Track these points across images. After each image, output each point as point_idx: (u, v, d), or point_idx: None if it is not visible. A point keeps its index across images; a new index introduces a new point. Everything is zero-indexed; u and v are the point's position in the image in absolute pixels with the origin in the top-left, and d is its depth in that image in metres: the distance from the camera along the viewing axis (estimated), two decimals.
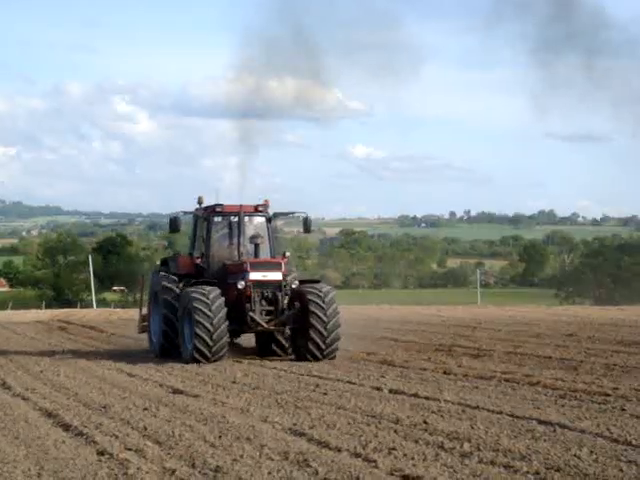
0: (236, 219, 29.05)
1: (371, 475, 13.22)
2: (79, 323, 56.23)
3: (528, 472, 13.32)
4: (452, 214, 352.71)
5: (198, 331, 25.03)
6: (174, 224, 29.66)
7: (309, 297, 26.40)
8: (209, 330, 24.92)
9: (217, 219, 29.22)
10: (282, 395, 21.39)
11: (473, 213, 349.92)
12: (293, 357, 27.87)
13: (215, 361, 25.45)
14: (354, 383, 23.19)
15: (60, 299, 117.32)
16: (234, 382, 24.04)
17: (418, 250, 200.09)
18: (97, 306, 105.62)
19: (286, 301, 26.85)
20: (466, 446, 15.13)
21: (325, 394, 21.45)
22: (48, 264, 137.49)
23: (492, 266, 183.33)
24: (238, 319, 26.43)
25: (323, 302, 26.14)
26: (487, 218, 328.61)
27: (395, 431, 16.79)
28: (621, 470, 13.44)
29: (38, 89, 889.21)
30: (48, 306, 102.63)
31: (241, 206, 28.91)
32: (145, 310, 32.63)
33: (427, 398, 20.79)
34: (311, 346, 26.23)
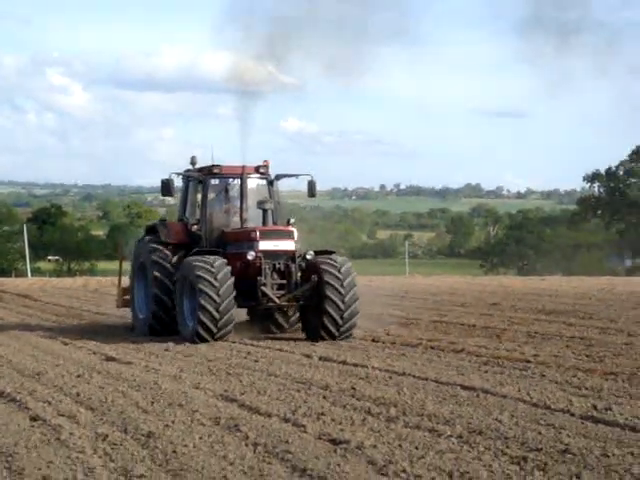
0: (236, 182, 27.30)
1: (300, 439, 13.30)
2: (13, 292, 55.83)
3: (451, 436, 13.47)
4: (382, 187, 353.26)
5: (203, 302, 23.26)
6: (166, 187, 27.15)
7: (323, 268, 24.67)
8: (215, 301, 23.22)
9: (214, 182, 27.28)
10: (214, 362, 21.41)
11: (402, 186, 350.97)
12: (303, 336, 26.09)
13: (221, 337, 23.95)
14: (285, 351, 23.26)
15: None
16: (167, 350, 24.03)
17: (349, 222, 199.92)
18: (32, 275, 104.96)
19: (299, 274, 25.05)
20: (392, 411, 15.26)
21: (256, 361, 21.49)
22: None
23: (420, 238, 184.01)
24: (245, 293, 24.50)
25: (339, 272, 24.51)
26: (416, 191, 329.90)
27: (324, 397, 16.87)
28: (540, 433, 13.65)
29: None
30: None
31: (243, 167, 26.92)
32: (126, 282, 30.79)
33: (355, 365, 20.88)
34: (327, 322, 24.43)
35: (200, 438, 13.44)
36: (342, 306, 24.08)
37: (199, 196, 27.04)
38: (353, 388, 17.62)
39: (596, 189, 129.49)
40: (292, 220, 26.69)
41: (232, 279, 23.53)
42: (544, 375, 19.49)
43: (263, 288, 24.21)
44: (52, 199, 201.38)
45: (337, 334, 24.36)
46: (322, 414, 15.08)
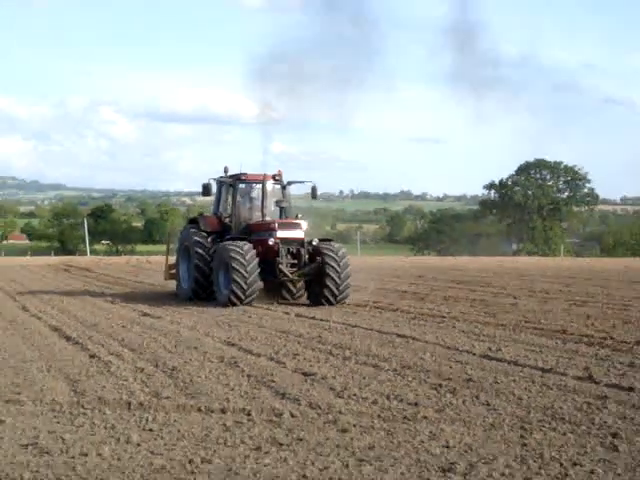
0: (258, 186, 26.77)
1: (281, 372, 13.31)
2: (77, 266, 55.51)
3: (389, 369, 13.51)
4: (341, 192, 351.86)
5: (235, 277, 23.00)
6: (206, 190, 26.99)
7: (325, 252, 24.31)
8: (244, 276, 22.98)
9: (242, 185, 26.85)
10: (220, 318, 21.35)
11: (355, 192, 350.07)
12: (308, 302, 25.29)
13: (247, 303, 23.47)
14: (271, 310, 23.16)
15: (64, 249, 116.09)
16: (186, 308, 24.02)
17: (317, 217, 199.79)
18: (90, 254, 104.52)
19: (307, 256, 24.59)
20: (347, 352, 15.27)
21: (250, 317, 21.42)
22: (55, 224, 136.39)
23: (368, 229, 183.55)
24: (267, 270, 24.07)
25: (337, 256, 24.25)
26: (365, 195, 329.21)
27: (298, 342, 16.86)
28: (451, 367, 13.73)
29: (49, 101, 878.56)
30: (55, 254, 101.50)
31: (264, 175, 26.46)
32: (172, 260, 29.92)
33: (321, 320, 20.85)
34: (327, 293, 24.17)
35: (209, 371, 13.43)
36: (339, 281, 23.95)
37: (230, 196, 26.66)
38: (319, 336, 17.63)
39: (492, 195, 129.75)
40: (300, 215, 26.40)
41: (256, 259, 23.27)
42: (454, 326, 19.57)
43: (280, 266, 24.00)
44: (105, 200, 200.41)
45: (334, 302, 24.09)
46: (297, 354, 15.09)
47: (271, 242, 24.11)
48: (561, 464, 8.24)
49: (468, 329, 19.12)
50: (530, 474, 7.91)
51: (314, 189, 27.33)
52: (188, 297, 25.72)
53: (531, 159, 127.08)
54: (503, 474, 7.90)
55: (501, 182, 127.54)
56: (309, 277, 24.60)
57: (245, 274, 22.82)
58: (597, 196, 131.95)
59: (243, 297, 23.06)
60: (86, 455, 8.62)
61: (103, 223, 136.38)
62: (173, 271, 28.75)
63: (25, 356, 15.31)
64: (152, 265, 58.37)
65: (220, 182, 26.83)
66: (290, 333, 18.29)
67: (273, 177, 26.53)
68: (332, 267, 23.82)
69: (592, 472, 7.96)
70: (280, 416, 10.26)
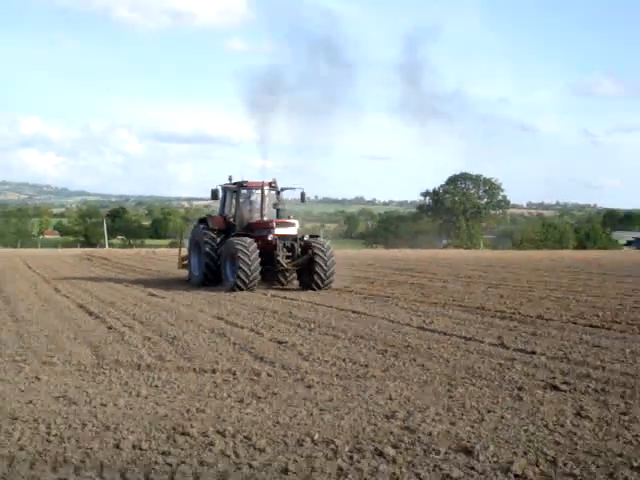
0: (257, 191, 26.02)
1: (260, 341, 13.29)
2: (98, 256, 55.18)
3: (345, 338, 13.52)
4: (308, 198, 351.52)
5: (241, 265, 22.34)
6: (214, 194, 26.25)
7: (314, 245, 23.70)
8: (248, 266, 22.35)
9: (244, 191, 26.05)
10: (211, 298, 21.28)
11: (320, 197, 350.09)
12: (299, 287, 24.50)
13: (250, 289, 22.69)
14: (251, 292, 23.13)
15: (87, 242, 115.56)
16: (184, 290, 23.91)
17: (297, 217, 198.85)
18: (108, 247, 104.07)
19: (299, 249, 23.90)
20: (312, 325, 15.26)
21: (235, 297, 21.31)
22: (81, 223, 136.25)
23: (329, 227, 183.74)
24: (266, 261, 23.38)
25: (324, 249, 23.64)
26: (327, 200, 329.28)
27: (273, 317, 16.82)
28: (394, 336, 13.77)
29: (76, 125, 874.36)
30: (81, 247, 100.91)
31: (263, 182, 25.75)
32: (184, 253, 28.97)
33: (292, 299, 20.82)
34: (316, 279, 23.45)
35: (202, 340, 13.39)
36: (326, 270, 23.44)
37: (233, 200, 26.05)
38: (290, 312, 17.60)
39: (427, 200, 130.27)
40: (291, 216, 25.78)
41: (257, 252, 22.76)
42: (397, 304, 19.59)
43: (278, 258, 23.52)
44: (120, 204, 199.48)
45: (322, 287, 23.50)
46: (272, 327, 15.07)
47: (270, 238, 23.62)
48: (478, 411, 8.32)
49: (407, 306, 19.16)
50: (454, 419, 7.98)
51: (303, 194, 26.55)
52: (200, 283, 25.07)
53: (458, 172, 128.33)
54: (433, 420, 7.96)
55: (434, 190, 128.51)
56: (301, 267, 24.01)
57: (248, 264, 22.36)
58: (509, 202, 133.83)
59: (247, 283, 22.54)
60: (105, 405, 8.64)
61: (118, 222, 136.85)
62: (185, 262, 28.14)
63: (57, 327, 15.23)
64: (157, 256, 58.21)
65: (225, 188, 26.27)
66: (267, 310, 18.22)
67: (269, 184, 26.01)
68: (320, 258, 23.36)
69: (502, 417, 8.03)
70: (259, 375, 10.27)
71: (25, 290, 24.72)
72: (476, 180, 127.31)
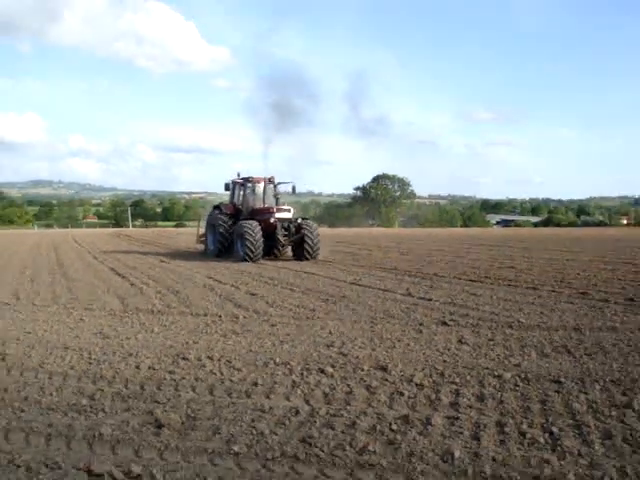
0: (260, 184, 24.50)
1: (238, 293, 13.25)
2: (124, 234, 54.56)
3: (299, 291, 13.51)
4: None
5: (247, 243, 21.03)
6: (227, 187, 24.65)
7: (305, 226, 22.36)
8: (253, 243, 21.01)
9: (249, 185, 24.41)
10: (206, 265, 21.16)
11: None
12: (292, 258, 22.99)
13: (256, 261, 21.21)
14: (232, 262, 22.98)
15: (117, 224, 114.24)
16: (185, 258, 23.72)
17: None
18: (131, 227, 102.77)
19: (294, 229, 22.45)
20: (275, 282, 15.20)
21: (221, 263, 21.32)
22: (112, 211, 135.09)
23: None
24: (269, 239, 22.22)
25: (312, 229, 22.33)
26: (284, 194, 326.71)
27: (248, 276, 16.72)
28: (333, 289, 13.74)
29: (108, 140, 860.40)
30: (112, 227, 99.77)
31: (264, 178, 24.50)
32: (202, 231, 26.94)
33: (261, 264, 20.80)
34: (305, 252, 22.01)
35: (198, 293, 13.28)
36: (313, 245, 22.20)
37: (241, 192, 24.64)
38: (260, 273, 17.46)
39: (359, 193, 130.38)
40: (286, 203, 24.33)
41: (261, 232, 21.50)
42: (336, 267, 19.61)
43: (278, 236, 22.32)
44: (140, 196, 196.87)
45: (311, 258, 22.08)
46: (247, 283, 14.96)
47: (272, 220, 22.45)
48: (391, 341, 8.40)
49: (343, 268, 19.16)
50: (375, 346, 8.05)
51: (294, 187, 24.94)
52: (215, 255, 23.69)
53: (380, 173, 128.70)
54: (360, 347, 8.02)
55: (363, 186, 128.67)
56: (295, 243, 22.74)
57: (254, 242, 21.22)
58: (415, 194, 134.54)
59: (253, 257, 21.25)
60: (129, 339, 8.60)
61: (139, 209, 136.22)
62: (203, 239, 26.56)
63: (95, 284, 15.02)
64: (167, 234, 57.49)
65: (234, 182, 25.01)
66: (244, 272, 18.09)
67: (269, 179, 24.82)
68: (309, 236, 22.27)
69: (408, 344, 8.13)
70: (237, 318, 10.25)
71: (73, 257, 24.53)
72: (392, 178, 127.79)
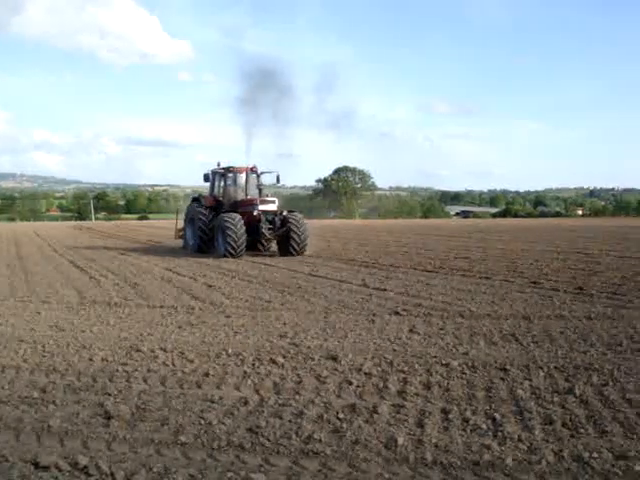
0: (242, 174, 22.64)
1: (196, 284, 13.21)
2: (86, 227, 53.67)
3: (256, 282, 13.51)
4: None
5: (229, 239, 19.49)
6: (207, 177, 22.98)
7: (291, 219, 20.63)
8: (235, 238, 19.47)
9: (230, 175, 22.65)
10: (165, 258, 21.01)
11: None
12: (277, 253, 21.35)
13: (238, 257, 19.70)
14: (198, 254, 22.75)
15: (80, 217, 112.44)
16: (144, 251, 23.51)
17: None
18: (94, 220, 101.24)
19: (279, 222, 20.79)
20: (233, 274, 15.19)
21: (180, 255, 21.15)
22: (75, 203, 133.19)
23: None
24: (253, 232, 20.59)
25: (299, 222, 20.61)
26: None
27: (206, 268, 16.68)
28: (290, 280, 13.74)
29: (72, 133, 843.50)
30: (75, 220, 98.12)
31: (246, 167, 22.44)
32: (180, 225, 24.84)
33: (224, 256, 20.74)
34: (292, 248, 20.40)
35: (155, 285, 13.19)
36: (300, 240, 20.51)
37: (222, 182, 22.83)
38: (218, 265, 17.39)
39: (320, 185, 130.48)
40: (269, 194, 22.51)
41: (244, 226, 19.88)
42: (295, 259, 19.57)
43: (262, 230, 20.63)
44: (103, 189, 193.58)
45: (296, 254, 20.46)
46: (205, 275, 14.89)
47: (255, 213, 20.79)
48: (344, 331, 8.44)
49: (301, 260, 19.09)
50: (327, 337, 8.07)
51: (278, 177, 23.01)
52: (195, 250, 22.01)
53: (341, 165, 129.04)
54: (312, 337, 8.03)
55: (325, 178, 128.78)
56: (280, 237, 21.10)
57: (236, 237, 19.71)
58: (376, 186, 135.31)
59: (234, 252, 19.78)
60: (84, 331, 8.50)
61: (102, 202, 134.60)
62: (181, 233, 24.76)
63: (53, 277, 14.84)
64: (128, 226, 56.77)
65: (214, 173, 23.13)
66: (202, 263, 17.98)
67: (251, 169, 22.80)
68: (295, 230, 20.63)
69: (359, 334, 8.15)
70: (193, 309, 10.19)
71: (33, 251, 24.07)
72: (353, 171, 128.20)
